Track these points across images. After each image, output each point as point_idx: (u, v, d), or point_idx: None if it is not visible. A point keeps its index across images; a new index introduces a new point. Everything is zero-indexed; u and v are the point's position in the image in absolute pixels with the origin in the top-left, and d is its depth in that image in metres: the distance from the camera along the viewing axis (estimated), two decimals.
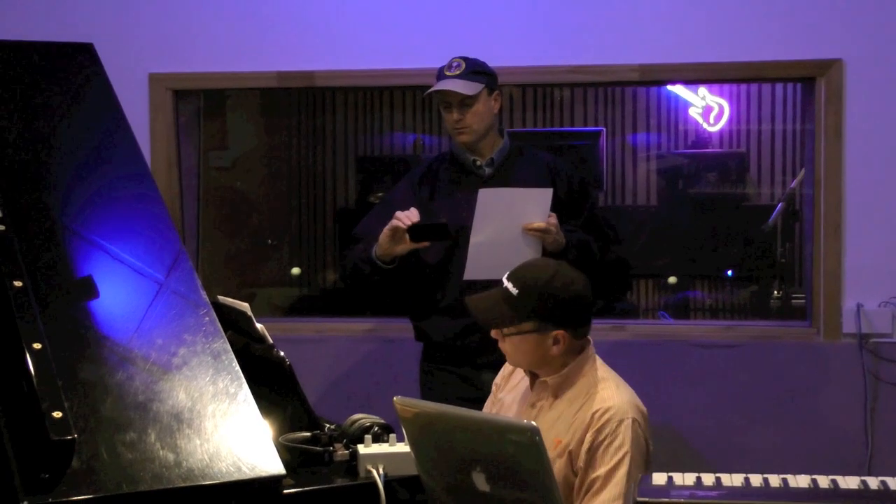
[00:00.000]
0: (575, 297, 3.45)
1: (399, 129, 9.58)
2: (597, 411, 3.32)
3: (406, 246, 4.44)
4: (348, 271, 4.73)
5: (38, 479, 2.57)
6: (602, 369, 3.49)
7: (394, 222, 4.41)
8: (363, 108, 9.51)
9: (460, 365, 4.61)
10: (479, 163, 4.73)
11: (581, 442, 3.31)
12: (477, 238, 4.38)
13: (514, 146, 4.82)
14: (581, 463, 3.29)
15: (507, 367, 3.77)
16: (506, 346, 3.49)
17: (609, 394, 3.38)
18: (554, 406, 3.46)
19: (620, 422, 3.28)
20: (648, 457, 3.34)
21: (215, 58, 5.94)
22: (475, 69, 4.67)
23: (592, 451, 3.28)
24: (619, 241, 4.92)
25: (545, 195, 4.42)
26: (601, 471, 3.24)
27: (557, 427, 3.36)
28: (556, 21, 5.74)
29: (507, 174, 4.72)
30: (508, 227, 4.37)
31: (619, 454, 3.24)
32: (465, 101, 4.63)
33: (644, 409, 3.39)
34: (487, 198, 4.42)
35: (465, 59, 4.69)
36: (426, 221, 4.44)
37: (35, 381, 2.69)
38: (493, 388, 3.81)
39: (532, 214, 4.40)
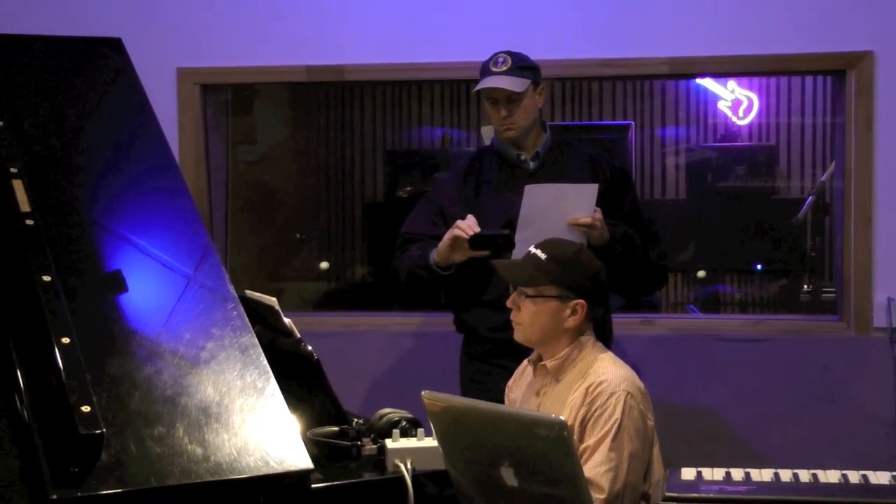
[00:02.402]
0: (597, 273, 3.59)
1: (427, 124, 9.59)
2: (590, 385, 3.40)
3: (465, 254, 4.43)
4: (405, 277, 4.71)
5: (67, 473, 2.58)
6: (599, 350, 3.57)
7: (455, 232, 4.40)
8: (391, 102, 9.52)
9: (501, 356, 4.58)
10: (523, 157, 4.70)
11: (576, 416, 3.37)
12: (523, 233, 4.34)
13: (557, 139, 4.80)
14: (575, 436, 3.33)
15: (517, 372, 3.86)
16: (523, 313, 3.56)
17: (603, 370, 3.45)
18: (555, 390, 3.53)
19: (612, 394, 3.34)
20: (647, 431, 3.39)
21: (243, 52, 5.94)
22: (521, 64, 4.63)
23: (585, 423, 3.35)
24: (658, 239, 4.89)
25: (591, 190, 4.40)
26: (591, 441, 3.31)
27: (558, 408, 3.42)
28: (585, 14, 5.72)
29: (552, 168, 4.69)
30: (554, 222, 4.33)
31: (609, 424, 3.30)
32: (513, 98, 4.60)
33: (641, 385, 3.45)
34: (534, 193, 4.40)
35: (510, 53, 4.64)
36: (487, 231, 4.41)
37: (64, 376, 2.70)
38: (506, 390, 3.87)
39: (578, 209, 4.38)
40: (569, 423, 3.33)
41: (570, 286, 3.51)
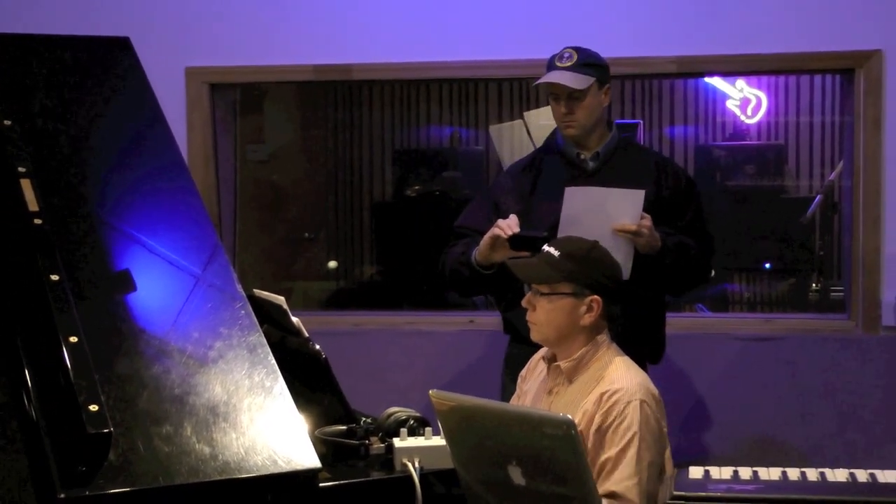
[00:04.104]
0: (612, 269, 3.56)
1: (436, 122, 9.60)
2: (604, 393, 3.35)
3: (506, 253, 4.28)
4: (448, 273, 4.63)
5: (75, 472, 2.59)
6: (614, 354, 3.52)
7: (495, 230, 4.30)
8: (400, 102, 9.53)
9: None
10: (583, 156, 4.58)
11: (590, 423, 3.33)
12: (564, 236, 4.26)
13: (622, 140, 4.69)
14: (590, 445, 3.30)
15: (532, 361, 3.81)
16: (538, 313, 3.52)
17: (618, 376, 3.41)
18: (568, 391, 3.50)
19: (628, 403, 3.30)
20: (662, 438, 3.36)
21: (252, 51, 5.95)
22: (586, 61, 4.52)
23: (602, 434, 3.30)
24: (713, 250, 4.79)
25: (636, 196, 4.29)
26: (611, 452, 3.26)
27: (570, 410, 3.36)
28: (593, 13, 5.71)
29: (611, 169, 4.56)
30: (597, 226, 4.18)
31: (629, 435, 3.26)
32: (574, 94, 4.48)
33: (655, 391, 3.40)
34: (575, 196, 4.30)
35: (577, 49, 4.53)
36: (527, 232, 4.27)
37: (72, 375, 2.71)
38: (518, 380, 3.84)
39: (622, 215, 4.27)
40: (580, 427, 3.32)
41: (584, 283, 3.47)
